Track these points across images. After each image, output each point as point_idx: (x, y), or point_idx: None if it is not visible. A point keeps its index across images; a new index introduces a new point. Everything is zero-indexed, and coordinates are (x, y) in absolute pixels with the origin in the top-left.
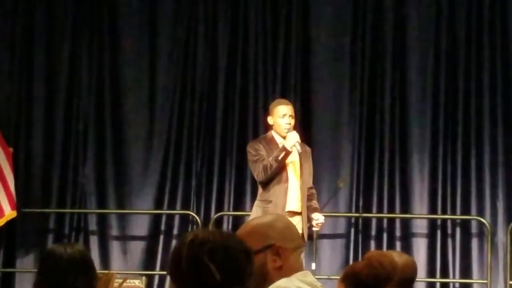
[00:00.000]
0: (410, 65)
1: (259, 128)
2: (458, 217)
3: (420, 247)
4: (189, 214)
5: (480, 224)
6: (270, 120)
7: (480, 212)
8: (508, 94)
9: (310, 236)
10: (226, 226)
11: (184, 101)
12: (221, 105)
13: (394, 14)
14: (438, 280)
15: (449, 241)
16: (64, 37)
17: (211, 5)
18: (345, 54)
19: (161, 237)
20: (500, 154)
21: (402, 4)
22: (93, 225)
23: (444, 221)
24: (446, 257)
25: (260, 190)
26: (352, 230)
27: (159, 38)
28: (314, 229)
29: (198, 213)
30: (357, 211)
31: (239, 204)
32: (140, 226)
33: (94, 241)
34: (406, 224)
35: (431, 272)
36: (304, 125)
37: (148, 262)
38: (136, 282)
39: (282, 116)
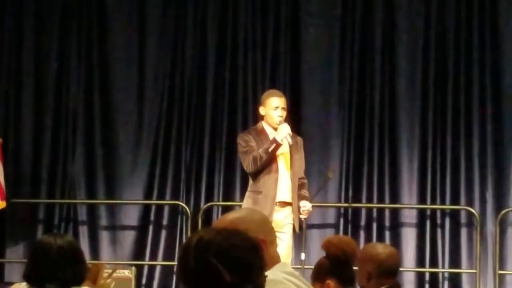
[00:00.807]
0: (399, 55)
1: (249, 118)
2: (447, 207)
3: (409, 237)
4: (179, 205)
5: (469, 214)
6: (262, 110)
7: (469, 202)
8: (497, 85)
9: (300, 226)
10: (216, 216)
11: (173, 92)
12: (210, 96)
13: (383, 7)
14: (427, 270)
15: (439, 231)
16: (53, 29)
17: None
18: (334, 44)
19: (151, 228)
20: (489, 145)
21: None
22: (82, 216)
23: (433, 211)
24: (435, 247)
25: (250, 181)
26: (342, 221)
27: (147, 31)
28: (301, 216)
29: (187, 204)
30: (346, 201)
31: (228, 195)
32: (130, 216)
33: (83, 231)
34: (396, 214)
35: (420, 262)
36: (293, 116)
37: (138, 252)
38: (126, 272)
39: (274, 108)
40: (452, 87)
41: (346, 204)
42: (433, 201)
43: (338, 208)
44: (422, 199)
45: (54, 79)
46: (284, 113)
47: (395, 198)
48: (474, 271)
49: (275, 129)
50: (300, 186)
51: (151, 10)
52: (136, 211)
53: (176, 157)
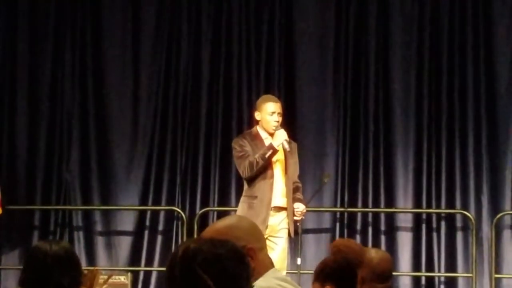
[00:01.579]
0: (393, 58)
1: (244, 123)
2: (443, 211)
3: (405, 241)
4: (174, 210)
5: (465, 218)
6: (257, 115)
7: (465, 206)
8: (492, 87)
9: (296, 231)
10: (212, 221)
11: (168, 97)
12: (205, 101)
13: (377, 6)
14: (423, 274)
15: (434, 235)
16: (47, 34)
17: (194, 0)
18: (328, 49)
19: (146, 233)
20: (484, 148)
21: None
22: (78, 222)
23: (429, 215)
24: (431, 251)
25: (245, 185)
26: (337, 225)
27: (142, 35)
28: (295, 217)
29: (183, 209)
30: (342, 205)
31: (224, 200)
32: (125, 222)
33: (79, 237)
34: (391, 219)
35: (416, 266)
36: (288, 120)
37: (134, 258)
38: (122, 278)
39: (271, 114)
40: (446, 90)
41: (341, 209)
42: (429, 205)
43: (334, 212)
44: (417, 203)
45: (48, 85)
46: (280, 119)
47: (390, 202)
48: (470, 275)
49: (270, 134)
50: (294, 190)
51: (145, 16)
52: (132, 217)
53: (172, 163)
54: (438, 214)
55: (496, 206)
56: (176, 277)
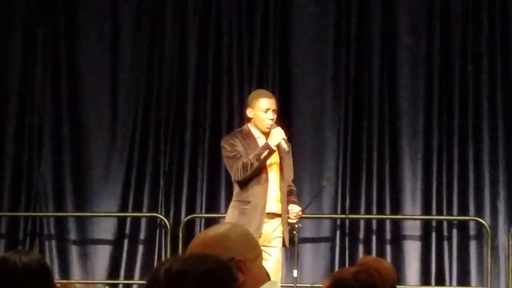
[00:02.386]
0: (400, 48)
1: (234, 121)
2: (455, 217)
3: (413, 251)
4: (157, 217)
5: (479, 226)
6: (249, 112)
7: (479, 212)
8: (508, 84)
9: (291, 240)
10: (199, 229)
11: (150, 92)
12: (191, 96)
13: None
14: (433, 287)
15: (445, 244)
16: (16, 28)
17: None
18: (328, 38)
19: (126, 243)
20: (501, 148)
21: None
22: (50, 230)
23: (439, 222)
24: (441, 262)
25: (236, 189)
26: (338, 233)
27: (121, 22)
28: (290, 220)
29: (166, 216)
30: (343, 212)
31: (212, 206)
32: (103, 230)
33: (51, 247)
34: (398, 226)
35: (425, 279)
36: (283, 118)
37: (112, 270)
38: None
39: (264, 111)
40: (458, 84)
41: (342, 215)
42: (439, 211)
43: (334, 219)
44: (426, 209)
45: (17, 85)
46: (275, 116)
47: (396, 208)
48: None
49: (264, 133)
50: (288, 193)
51: (125, 8)
52: (110, 225)
53: (154, 164)
54: (449, 221)
55: None
56: None
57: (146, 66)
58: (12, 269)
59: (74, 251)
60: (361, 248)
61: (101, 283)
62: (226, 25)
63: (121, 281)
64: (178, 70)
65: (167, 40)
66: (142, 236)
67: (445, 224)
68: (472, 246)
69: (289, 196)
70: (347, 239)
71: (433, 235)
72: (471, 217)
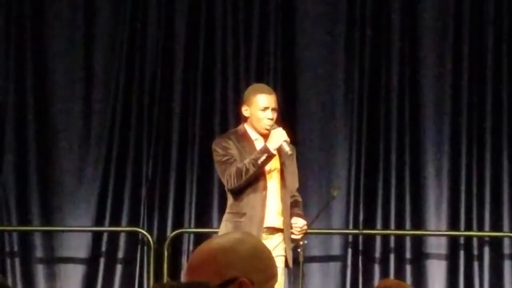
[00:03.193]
0: (424, 33)
1: (229, 121)
2: (487, 233)
3: (437, 272)
4: (138, 232)
5: None
6: (245, 111)
7: None
8: None
9: (296, 259)
10: (187, 246)
11: (130, 87)
12: (178, 91)
13: None
14: None
15: (475, 264)
16: None
17: None
18: (339, 22)
19: (102, 262)
20: None
21: None
22: (12, 246)
23: (468, 239)
24: (471, 284)
25: (230, 200)
26: (349, 252)
27: (97, 6)
28: (293, 236)
29: (149, 231)
30: (356, 226)
31: (203, 219)
32: (75, 247)
33: (14, 266)
34: (420, 243)
35: None
36: (286, 117)
37: None
38: None
39: (263, 109)
40: (491, 78)
41: (355, 231)
42: (468, 227)
43: (345, 235)
44: (453, 223)
45: None
46: (275, 115)
47: (418, 222)
48: None
49: (262, 135)
50: (292, 205)
51: None
52: (83, 241)
53: (135, 172)
54: (480, 238)
55: None
56: None
57: (125, 54)
58: None
59: (40, 271)
60: (377, 269)
61: None
62: (219, 5)
63: None
64: (163, 59)
65: (150, 22)
66: (120, 254)
67: (475, 241)
68: (507, 266)
69: (293, 208)
70: (360, 258)
71: (461, 254)
72: (505, 233)
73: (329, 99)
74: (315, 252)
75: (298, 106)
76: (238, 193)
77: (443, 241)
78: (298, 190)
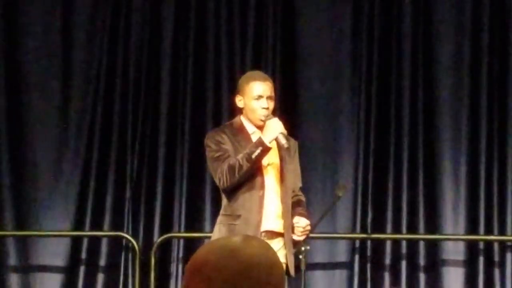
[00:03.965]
0: (439, 19)
1: (222, 114)
2: (509, 238)
3: (454, 280)
4: (122, 237)
5: None
6: (239, 101)
7: None
8: None
9: (297, 267)
10: (176, 253)
11: (113, 77)
12: (166, 81)
13: None
14: None
15: (496, 271)
16: None
17: None
18: (345, 5)
19: (82, 270)
20: None
21: None
22: None
23: (488, 244)
24: None
25: (224, 200)
26: (357, 258)
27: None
28: (294, 237)
29: (135, 236)
30: (364, 230)
31: (194, 222)
32: (52, 254)
33: None
34: (435, 249)
35: None
36: (286, 109)
37: None
38: None
39: (256, 98)
40: None
41: (363, 235)
42: (489, 231)
43: (352, 240)
44: (472, 227)
45: None
46: (272, 104)
47: (433, 225)
48: None
49: (260, 127)
50: (295, 204)
51: None
52: (61, 247)
53: (118, 171)
54: (502, 243)
55: None
56: None
57: (107, 43)
58: None
59: (14, 280)
60: (387, 277)
61: None
62: None
63: None
64: (149, 46)
65: (135, 8)
66: (102, 261)
67: (496, 247)
68: None
69: (296, 207)
70: (368, 265)
71: (481, 260)
72: None
73: (334, 90)
74: (319, 258)
75: (299, 98)
76: (232, 193)
77: (461, 246)
78: (301, 189)
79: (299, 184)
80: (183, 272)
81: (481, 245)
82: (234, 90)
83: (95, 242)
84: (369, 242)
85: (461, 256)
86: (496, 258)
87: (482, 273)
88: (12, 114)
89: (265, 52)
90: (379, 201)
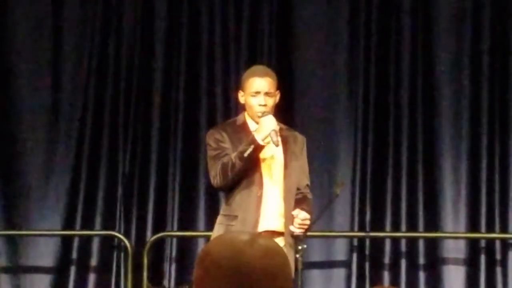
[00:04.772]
0: (440, 11)
1: (216, 110)
2: (511, 236)
3: (455, 279)
4: (114, 236)
5: None
6: (241, 97)
7: None
8: None
9: (295, 266)
10: (169, 252)
11: (105, 72)
12: (159, 77)
13: None
14: None
15: (498, 270)
16: None
17: None
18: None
19: (73, 270)
20: None
21: None
22: None
23: (490, 242)
24: None
25: (223, 200)
26: (355, 256)
27: None
28: (292, 228)
29: (126, 235)
30: (362, 228)
31: (188, 221)
32: (42, 253)
33: None
34: (435, 247)
35: None
36: (284, 105)
37: None
38: None
39: (253, 94)
40: None
41: (361, 233)
42: (490, 228)
43: (350, 238)
44: (473, 225)
45: None
46: (270, 101)
47: (433, 223)
48: None
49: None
50: (300, 201)
51: None
52: (51, 246)
53: (110, 168)
54: (503, 241)
55: None
56: None
57: (98, 37)
58: None
59: (3, 281)
60: (386, 276)
61: None
62: None
63: None
64: (141, 43)
65: (128, 1)
66: (94, 261)
67: (497, 244)
68: None
69: (300, 204)
70: (367, 264)
71: (482, 258)
72: None
73: (331, 83)
74: (316, 257)
75: (295, 92)
76: (230, 192)
77: (462, 244)
78: (308, 186)
79: (306, 181)
80: (176, 272)
81: (483, 243)
82: (228, 88)
83: (86, 242)
84: (367, 241)
85: (462, 255)
86: (498, 256)
87: (483, 272)
88: (0, 112)
89: (260, 51)
90: (378, 199)
